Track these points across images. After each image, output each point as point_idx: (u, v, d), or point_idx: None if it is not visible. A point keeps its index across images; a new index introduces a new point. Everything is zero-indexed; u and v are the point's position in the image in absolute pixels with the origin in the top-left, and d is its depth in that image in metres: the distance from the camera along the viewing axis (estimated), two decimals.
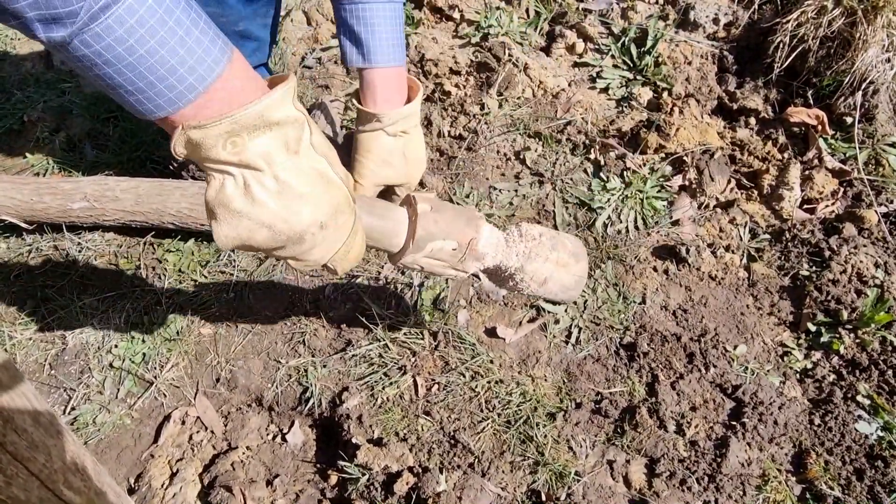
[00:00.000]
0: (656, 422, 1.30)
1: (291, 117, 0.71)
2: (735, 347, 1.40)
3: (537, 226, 1.05)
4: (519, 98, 1.84)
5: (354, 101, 1.21)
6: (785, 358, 1.40)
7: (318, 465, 1.35)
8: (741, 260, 1.54)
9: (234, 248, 0.76)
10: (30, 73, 2.14)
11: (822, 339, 1.40)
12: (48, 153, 1.89)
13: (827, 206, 1.61)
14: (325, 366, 1.42)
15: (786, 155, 1.69)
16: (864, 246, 1.51)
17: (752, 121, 1.76)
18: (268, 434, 1.40)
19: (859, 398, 1.32)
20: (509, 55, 1.85)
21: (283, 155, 0.72)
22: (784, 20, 1.73)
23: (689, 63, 1.86)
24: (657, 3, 1.96)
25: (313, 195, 0.75)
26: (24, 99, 2.04)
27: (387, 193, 1.28)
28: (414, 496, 1.21)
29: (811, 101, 1.76)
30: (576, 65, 1.93)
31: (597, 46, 1.92)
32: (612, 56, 1.90)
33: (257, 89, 0.69)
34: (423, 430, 1.31)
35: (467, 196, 1.64)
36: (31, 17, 0.57)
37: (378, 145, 1.20)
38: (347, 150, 1.69)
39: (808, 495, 1.23)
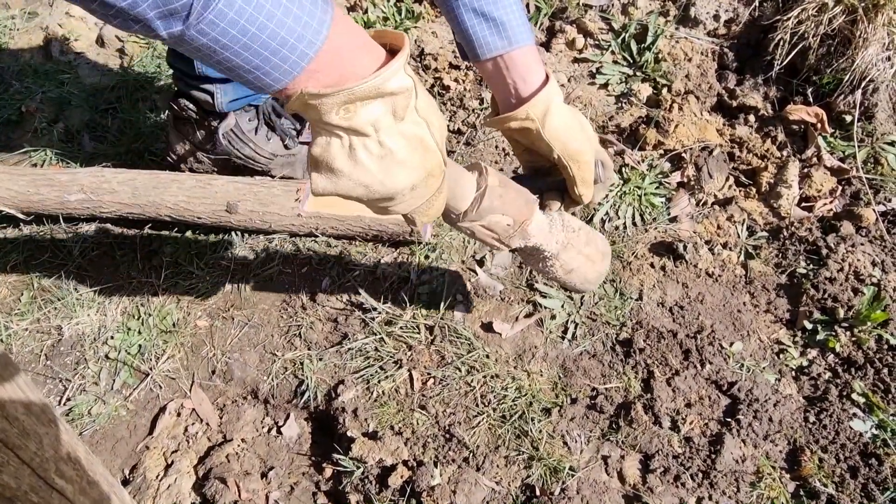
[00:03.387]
0: (651, 418, 1.30)
1: (403, 87, 0.73)
2: (731, 344, 1.40)
3: (577, 219, 1.14)
4: None
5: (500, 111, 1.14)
6: (781, 355, 1.40)
7: (313, 458, 1.35)
8: (738, 257, 1.54)
9: (325, 195, 0.80)
10: (28, 63, 2.13)
11: (819, 337, 1.40)
12: (46, 144, 1.88)
13: (825, 204, 1.61)
14: (320, 359, 1.42)
15: (785, 153, 1.69)
16: (862, 244, 1.51)
17: (752, 118, 1.76)
18: (263, 427, 1.40)
19: (854, 396, 1.32)
20: None
21: (389, 121, 0.75)
22: (785, 17, 1.73)
23: (689, 60, 1.85)
24: None
25: (411, 161, 0.79)
26: (22, 89, 2.03)
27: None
28: (408, 490, 1.22)
29: (811, 99, 1.75)
30: (575, 60, 1.92)
31: (597, 42, 1.92)
32: (612, 52, 1.90)
33: (364, 47, 0.72)
34: (418, 423, 1.32)
35: None
36: (151, 17, 0.59)
37: (575, 116, 1.14)
38: None
39: (801, 492, 1.23)
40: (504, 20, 1.07)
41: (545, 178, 1.25)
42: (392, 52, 0.76)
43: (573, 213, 1.46)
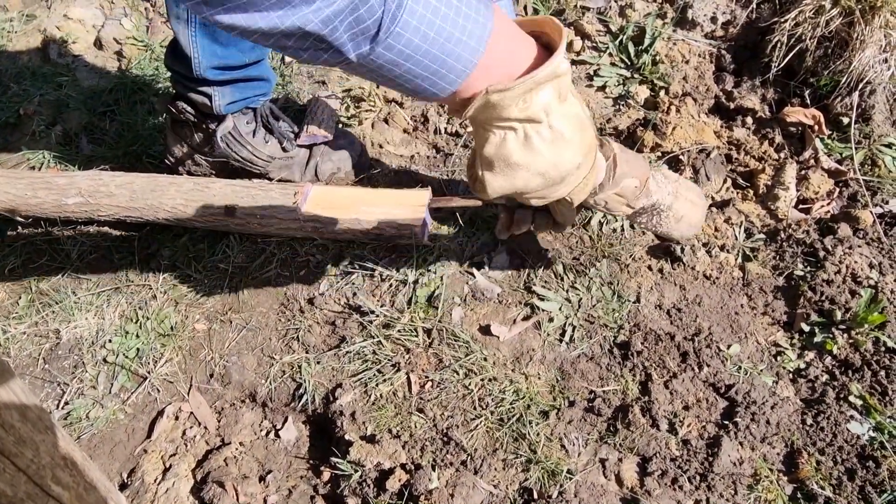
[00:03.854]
0: (649, 420, 1.30)
1: (568, 68, 0.76)
2: (728, 347, 1.40)
3: (671, 171, 1.23)
4: None
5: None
6: (778, 358, 1.40)
7: (311, 462, 1.35)
8: (736, 259, 1.54)
9: (499, 195, 0.84)
10: (26, 66, 2.13)
11: (816, 340, 1.41)
12: (44, 147, 1.88)
13: (822, 206, 1.61)
14: (318, 362, 1.42)
15: (782, 154, 1.69)
16: (859, 246, 1.51)
17: (749, 120, 1.76)
18: (261, 430, 1.40)
19: (851, 398, 1.32)
20: None
21: (556, 104, 0.77)
22: (782, 20, 1.73)
23: (687, 62, 1.85)
24: (655, 1, 1.95)
25: (575, 139, 0.82)
26: (20, 92, 2.03)
27: None
28: (406, 493, 1.22)
29: (808, 101, 1.75)
30: (573, 62, 1.92)
31: (594, 44, 1.92)
32: (610, 54, 1.90)
33: (520, 36, 0.74)
34: (416, 427, 1.32)
35: (463, 193, 1.64)
36: (344, 40, 0.61)
37: None
38: (344, 146, 1.68)
39: (799, 495, 1.23)
40: None
41: None
42: (533, 37, 0.78)
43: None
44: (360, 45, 0.62)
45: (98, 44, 2.16)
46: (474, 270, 1.52)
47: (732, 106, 1.78)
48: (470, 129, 1.20)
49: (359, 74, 0.69)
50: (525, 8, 2.02)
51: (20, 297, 1.58)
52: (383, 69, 0.65)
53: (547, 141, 0.79)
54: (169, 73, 1.57)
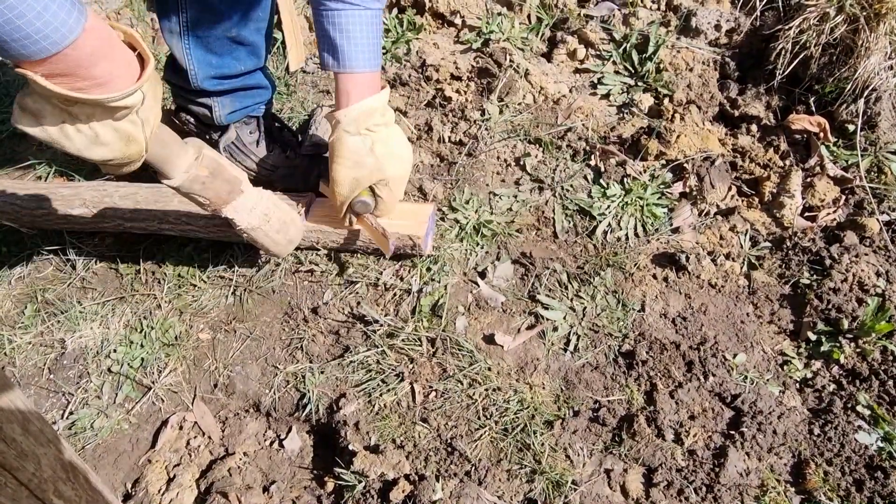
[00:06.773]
0: (654, 430, 1.29)
1: (135, 100, 0.93)
2: (734, 356, 1.39)
3: (286, 207, 1.36)
4: (520, 104, 1.84)
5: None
6: (785, 367, 1.39)
7: (315, 472, 1.35)
8: (741, 268, 1.54)
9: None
10: None
11: (823, 349, 1.39)
12: (51, 157, 1.89)
13: (828, 213, 1.60)
14: (322, 372, 1.42)
15: (787, 162, 1.68)
16: (866, 254, 1.50)
17: (754, 128, 1.76)
18: (265, 440, 1.39)
19: (859, 408, 1.31)
20: (510, 61, 1.85)
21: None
22: (786, 27, 1.73)
23: (691, 69, 1.85)
24: (659, 9, 1.95)
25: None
26: None
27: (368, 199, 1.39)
28: None
29: (813, 108, 1.75)
30: (577, 71, 1.93)
31: (598, 52, 1.92)
32: (614, 62, 1.90)
33: (113, 56, 0.88)
34: (420, 437, 1.31)
35: (467, 202, 1.64)
36: None
37: (344, 147, 1.30)
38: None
39: None
40: (341, 48, 1.23)
41: None
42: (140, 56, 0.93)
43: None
44: None
45: None
46: (478, 279, 1.52)
47: (737, 113, 1.77)
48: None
49: None
50: (528, 17, 2.03)
51: (26, 307, 1.59)
52: None
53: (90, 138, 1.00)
54: (169, 86, 1.58)
